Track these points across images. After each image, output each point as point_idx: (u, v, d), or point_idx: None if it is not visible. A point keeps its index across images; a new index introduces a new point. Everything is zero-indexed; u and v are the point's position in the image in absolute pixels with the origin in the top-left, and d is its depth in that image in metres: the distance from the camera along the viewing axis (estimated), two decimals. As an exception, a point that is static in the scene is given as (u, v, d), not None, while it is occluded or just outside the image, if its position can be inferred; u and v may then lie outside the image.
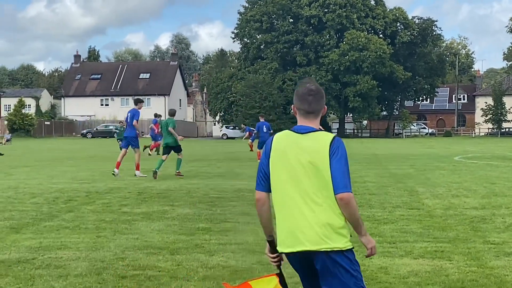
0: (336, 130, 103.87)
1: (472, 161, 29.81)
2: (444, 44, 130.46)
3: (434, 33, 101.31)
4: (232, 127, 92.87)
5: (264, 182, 4.35)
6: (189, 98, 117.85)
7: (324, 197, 4.15)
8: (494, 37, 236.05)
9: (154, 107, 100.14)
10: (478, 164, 27.51)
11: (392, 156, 34.92)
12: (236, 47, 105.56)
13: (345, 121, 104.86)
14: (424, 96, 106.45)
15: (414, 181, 19.08)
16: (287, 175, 4.23)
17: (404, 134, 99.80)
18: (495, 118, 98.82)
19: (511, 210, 12.59)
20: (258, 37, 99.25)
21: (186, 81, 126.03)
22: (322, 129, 4.35)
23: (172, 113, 23.02)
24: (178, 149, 21.26)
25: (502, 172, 22.26)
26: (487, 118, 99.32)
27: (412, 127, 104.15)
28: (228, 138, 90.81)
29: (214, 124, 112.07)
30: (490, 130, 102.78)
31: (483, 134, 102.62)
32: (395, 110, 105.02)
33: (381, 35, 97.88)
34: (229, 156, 35.54)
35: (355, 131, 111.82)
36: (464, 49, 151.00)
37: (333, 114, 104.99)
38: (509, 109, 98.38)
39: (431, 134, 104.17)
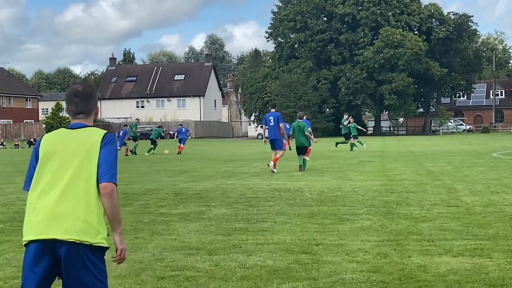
0: (372, 128, 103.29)
1: (511, 157, 29.41)
2: (480, 40, 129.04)
3: (470, 28, 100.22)
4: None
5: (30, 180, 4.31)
6: (224, 99, 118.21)
7: (85, 189, 4.11)
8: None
9: (189, 108, 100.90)
10: (517, 160, 27.17)
11: (429, 153, 34.61)
12: (270, 47, 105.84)
13: (381, 119, 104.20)
14: (461, 93, 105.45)
15: (452, 178, 18.89)
16: (50, 166, 4.19)
17: (441, 131, 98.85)
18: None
19: (552, 207, 12.39)
20: (292, 36, 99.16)
21: (221, 82, 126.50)
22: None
23: (301, 116, 24.49)
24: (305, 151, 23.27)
25: (542, 168, 21.95)
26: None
27: (449, 123, 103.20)
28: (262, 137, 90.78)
29: (249, 124, 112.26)
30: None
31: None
32: (431, 107, 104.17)
33: (416, 32, 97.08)
34: (264, 156, 35.49)
35: (391, 128, 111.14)
36: (501, 44, 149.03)
37: (369, 112, 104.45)
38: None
39: (469, 130, 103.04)
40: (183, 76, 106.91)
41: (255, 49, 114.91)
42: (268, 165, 22.38)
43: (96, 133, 4.26)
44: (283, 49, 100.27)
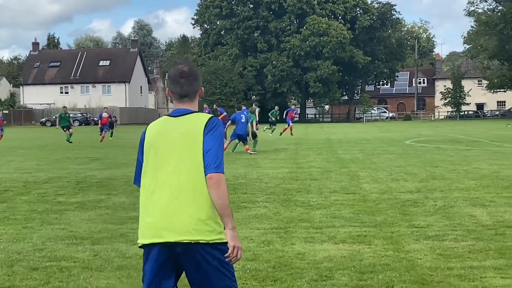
0: (297, 116, 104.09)
1: (423, 144, 30.10)
2: (404, 29, 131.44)
3: (393, 17, 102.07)
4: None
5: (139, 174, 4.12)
6: (151, 85, 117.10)
7: (193, 182, 3.89)
8: (457, 20, 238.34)
9: (114, 95, 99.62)
10: (428, 147, 27.80)
11: (346, 140, 35.10)
12: (198, 33, 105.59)
13: (307, 106, 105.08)
14: (384, 80, 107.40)
15: (359, 165, 19.21)
16: (157, 161, 3.99)
17: (364, 118, 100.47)
18: (454, 101, 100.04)
19: (445, 193, 12.73)
20: (218, 23, 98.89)
21: (148, 68, 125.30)
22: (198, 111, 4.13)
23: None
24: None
25: (448, 156, 22.50)
26: (446, 101, 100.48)
27: (373, 111, 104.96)
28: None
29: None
30: (449, 113, 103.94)
31: (442, 117, 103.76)
32: (355, 95, 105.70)
33: (341, 20, 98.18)
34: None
35: (316, 116, 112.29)
36: (425, 33, 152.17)
37: (294, 99, 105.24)
38: (468, 92, 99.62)
39: (392, 118, 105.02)
40: (108, 62, 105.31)
41: (183, 36, 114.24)
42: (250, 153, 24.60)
43: (200, 120, 4.00)
44: (209, 35, 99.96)
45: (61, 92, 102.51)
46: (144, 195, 4.03)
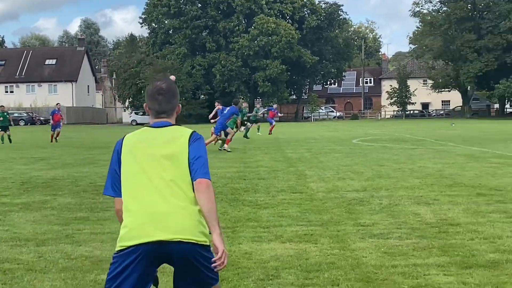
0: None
1: (369, 143, 30.46)
2: (351, 29, 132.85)
3: (340, 17, 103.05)
4: (141, 113, 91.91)
5: (117, 185, 4.09)
6: (98, 84, 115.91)
7: (180, 187, 3.95)
8: (403, 21, 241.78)
9: (61, 94, 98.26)
10: (374, 146, 28.14)
11: (293, 140, 35.29)
12: (146, 32, 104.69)
13: (255, 106, 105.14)
14: (332, 80, 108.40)
15: (306, 164, 19.34)
16: (138, 167, 3.99)
17: (312, 117, 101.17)
18: (400, 101, 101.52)
19: (390, 192, 12.90)
20: (166, 22, 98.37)
21: (95, 67, 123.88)
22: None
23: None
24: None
25: (394, 154, 22.82)
26: (392, 101, 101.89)
27: (321, 110, 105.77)
28: (137, 124, 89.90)
29: (124, 110, 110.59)
30: (395, 112, 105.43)
31: (389, 116, 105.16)
32: (304, 94, 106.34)
33: (289, 20, 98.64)
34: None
35: (264, 115, 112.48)
36: (372, 33, 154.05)
37: (243, 99, 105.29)
38: (413, 91, 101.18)
39: (339, 117, 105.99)
40: (54, 60, 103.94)
41: (131, 34, 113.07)
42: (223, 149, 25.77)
43: (183, 131, 4.09)
44: (157, 35, 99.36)
45: (6, 91, 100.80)
46: (128, 200, 3.99)
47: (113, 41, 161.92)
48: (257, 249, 8.03)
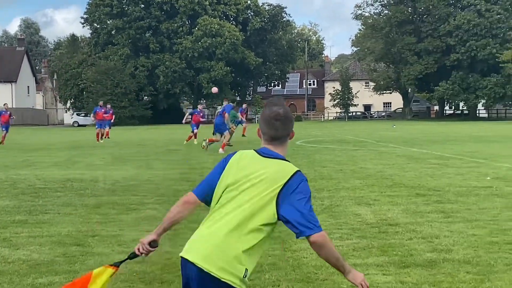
0: (190, 117, 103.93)
1: (312, 145, 30.70)
2: (295, 31, 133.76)
3: (284, 19, 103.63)
4: (83, 114, 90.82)
5: (205, 188, 3.98)
6: (38, 85, 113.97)
7: (249, 230, 3.68)
8: (345, 23, 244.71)
9: (0, 95, 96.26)
10: (317, 148, 28.38)
11: (238, 141, 35.23)
12: (88, 32, 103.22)
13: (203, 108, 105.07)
14: (276, 82, 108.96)
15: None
16: (231, 189, 3.80)
17: (256, 119, 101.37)
18: (343, 103, 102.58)
19: (332, 193, 13.04)
20: (108, 22, 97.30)
21: (37, 68, 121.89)
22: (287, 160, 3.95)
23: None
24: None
25: (336, 156, 23.06)
26: (335, 102, 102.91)
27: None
28: (79, 125, 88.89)
29: (65, 111, 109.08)
30: (338, 114, 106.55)
31: (331, 118, 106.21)
32: (248, 96, 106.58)
33: (233, 22, 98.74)
34: (74, 144, 34.69)
35: (210, 117, 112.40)
36: (315, 36, 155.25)
37: (187, 101, 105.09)
38: (356, 93, 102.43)
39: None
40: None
41: (72, 35, 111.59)
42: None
43: (286, 171, 3.77)
44: (99, 35, 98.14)
45: None
46: (208, 216, 3.85)
47: (54, 41, 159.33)
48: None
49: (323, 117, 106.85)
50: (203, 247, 3.69)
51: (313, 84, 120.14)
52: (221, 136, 27.08)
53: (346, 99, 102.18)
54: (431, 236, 8.71)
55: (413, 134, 41.29)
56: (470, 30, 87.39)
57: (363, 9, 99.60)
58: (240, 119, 41.24)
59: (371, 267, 7.10)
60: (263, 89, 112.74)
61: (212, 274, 3.61)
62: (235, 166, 3.89)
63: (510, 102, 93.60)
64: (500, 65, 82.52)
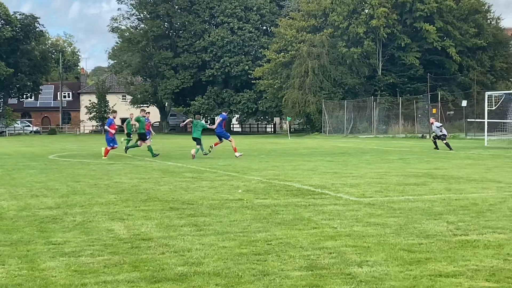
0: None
1: (66, 159, 29.91)
2: (49, 42, 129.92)
3: (37, 29, 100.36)
4: None
5: None
6: None
7: None
8: (102, 36, 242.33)
9: None
10: (71, 162, 27.69)
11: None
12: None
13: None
14: (28, 93, 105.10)
15: (-2, 182, 18.40)
16: None
17: (7, 132, 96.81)
18: (99, 116, 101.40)
19: (85, 208, 12.73)
20: None
21: None
22: None
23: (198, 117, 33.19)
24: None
25: (91, 170, 22.63)
26: (91, 115, 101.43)
27: (16, 125, 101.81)
28: None
29: None
30: (94, 127, 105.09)
31: (88, 131, 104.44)
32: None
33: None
34: None
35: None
36: (70, 47, 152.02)
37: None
38: (113, 106, 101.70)
39: (36, 132, 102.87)
40: None
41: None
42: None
43: None
44: None
45: None
46: None
47: None
48: None
49: (79, 131, 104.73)
50: None
51: (69, 97, 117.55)
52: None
53: (102, 112, 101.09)
54: (183, 249, 8.79)
55: (170, 148, 41.78)
56: (224, 47, 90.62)
57: (119, 22, 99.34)
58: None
59: (122, 283, 7.00)
60: (14, 101, 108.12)
61: None
62: None
63: (261, 117, 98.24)
64: (252, 81, 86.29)
